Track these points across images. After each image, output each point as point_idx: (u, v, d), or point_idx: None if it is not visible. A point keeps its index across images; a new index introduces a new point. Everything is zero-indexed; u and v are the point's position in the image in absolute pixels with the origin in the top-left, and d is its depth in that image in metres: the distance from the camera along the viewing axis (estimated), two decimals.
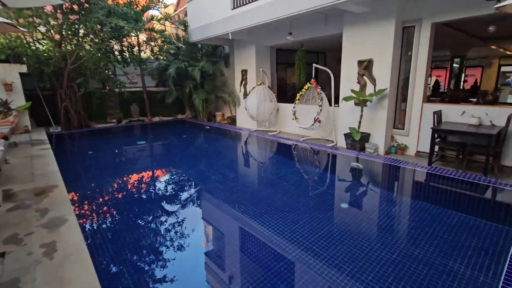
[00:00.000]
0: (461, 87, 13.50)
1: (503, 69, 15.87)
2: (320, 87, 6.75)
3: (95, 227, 3.11)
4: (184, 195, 4.28)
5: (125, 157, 6.83)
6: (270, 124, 9.17)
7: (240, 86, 9.88)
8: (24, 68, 7.95)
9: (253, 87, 8.55)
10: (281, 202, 3.79)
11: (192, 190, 4.53)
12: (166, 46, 10.78)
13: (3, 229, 2.44)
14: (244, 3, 7.45)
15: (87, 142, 8.48)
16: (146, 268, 2.44)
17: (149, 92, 11.44)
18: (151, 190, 4.47)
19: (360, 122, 5.98)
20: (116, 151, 7.42)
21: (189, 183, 4.85)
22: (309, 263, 2.42)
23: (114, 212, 3.56)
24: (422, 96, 5.56)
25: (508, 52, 13.93)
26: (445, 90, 13.70)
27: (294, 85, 10.33)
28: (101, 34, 8.63)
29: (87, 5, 8.21)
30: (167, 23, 11.24)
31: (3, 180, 3.66)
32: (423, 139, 5.60)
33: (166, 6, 11.53)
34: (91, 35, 8.75)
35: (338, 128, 6.87)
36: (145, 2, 9.98)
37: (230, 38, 8.34)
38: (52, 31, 8.35)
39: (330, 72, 6.84)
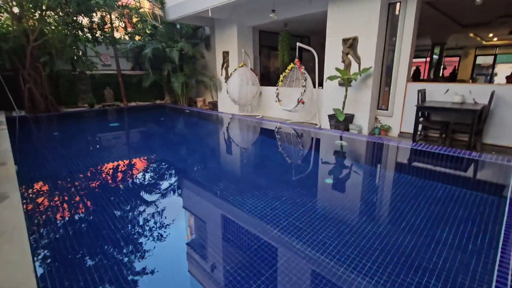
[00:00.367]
0: (441, 75, 13.75)
1: (478, 59, 16.41)
2: (304, 67, 6.50)
3: (43, 209, 2.71)
4: (160, 179, 3.93)
5: (94, 139, 6.31)
6: (252, 109, 8.87)
7: (222, 69, 9.46)
8: None
9: (235, 69, 8.17)
10: (264, 180, 3.55)
11: (170, 173, 4.19)
12: (140, 25, 10.08)
13: None
14: None
15: (53, 126, 7.80)
16: (105, 256, 2.11)
17: (124, 76, 10.75)
18: (118, 174, 4.06)
19: (344, 102, 5.81)
20: (85, 134, 6.85)
21: (166, 164, 4.49)
22: (292, 239, 2.19)
23: (73, 195, 3.15)
24: (407, 75, 5.45)
25: (484, 42, 14.33)
26: (425, 78, 13.94)
27: (277, 70, 10.05)
28: (67, 8, 7.87)
29: None
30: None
31: None
32: (406, 119, 5.53)
33: None
34: (55, 9, 7.97)
35: (322, 111, 6.69)
36: None
37: (210, 16, 7.87)
38: (10, 3, 7.51)
39: (314, 52, 6.60)
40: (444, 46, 12.52)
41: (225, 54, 9.20)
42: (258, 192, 3.11)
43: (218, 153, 5.34)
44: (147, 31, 10.21)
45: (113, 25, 9.82)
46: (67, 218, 2.45)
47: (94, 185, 3.42)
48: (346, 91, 5.76)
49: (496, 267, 1.70)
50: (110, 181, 3.59)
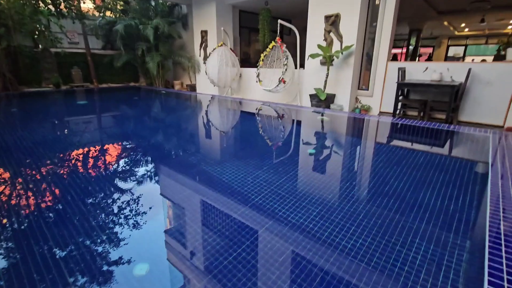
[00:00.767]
0: (417, 61, 14.14)
1: (450, 50, 17.10)
2: (285, 45, 6.32)
3: (4, 199, 2.38)
4: (136, 158, 3.64)
5: (59, 121, 5.79)
6: (232, 91, 8.60)
7: (200, 49, 9.06)
8: None
9: (214, 48, 7.83)
10: (244, 152, 3.38)
11: (149, 152, 3.89)
12: None
13: None
14: None
15: (11, 107, 7.09)
16: (76, 247, 1.86)
17: (94, 55, 10.01)
18: (88, 159, 3.71)
19: (326, 81, 5.73)
20: (49, 116, 6.28)
21: (143, 144, 4.18)
22: (273, 207, 2.05)
23: (36, 183, 2.82)
24: (387, 54, 5.44)
25: (456, 33, 14.88)
26: None
27: (258, 52, 9.78)
28: None
29: None
30: None
31: None
32: (386, 99, 5.56)
33: None
34: None
35: (303, 92, 6.59)
36: None
37: None
38: None
39: (296, 30, 6.43)
40: (420, 34, 12.83)
41: (204, 34, 8.79)
42: (240, 163, 2.94)
43: (201, 129, 5.08)
44: (118, 6, 9.49)
45: None
46: (31, 208, 2.15)
47: (59, 170, 3.08)
48: (328, 69, 5.67)
49: (487, 222, 1.66)
50: (79, 167, 3.25)
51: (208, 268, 1.46)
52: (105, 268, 1.48)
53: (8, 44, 7.55)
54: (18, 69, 8.46)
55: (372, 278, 1.32)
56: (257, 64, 6.87)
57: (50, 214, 1.99)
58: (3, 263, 1.48)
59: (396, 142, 3.93)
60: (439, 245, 1.57)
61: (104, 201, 2.23)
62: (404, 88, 5.05)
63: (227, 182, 2.45)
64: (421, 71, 5.14)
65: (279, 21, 6.29)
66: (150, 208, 2.14)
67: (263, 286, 1.31)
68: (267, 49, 6.62)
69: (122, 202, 2.19)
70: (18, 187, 2.41)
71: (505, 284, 1.16)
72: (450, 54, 16.83)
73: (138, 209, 2.13)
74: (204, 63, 8.65)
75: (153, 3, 9.86)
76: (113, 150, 3.76)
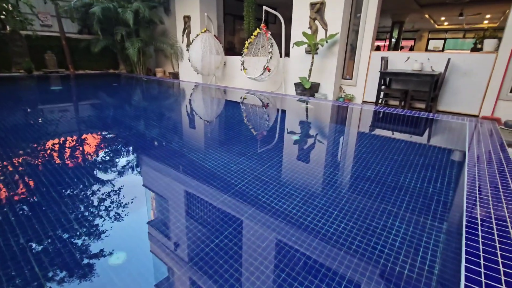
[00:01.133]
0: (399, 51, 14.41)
1: (430, 44, 17.57)
2: (270, 33, 6.22)
3: None
4: (118, 144, 3.48)
5: (30, 108, 5.45)
6: (216, 80, 8.43)
7: (183, 35, 8.76)
8: None
9: (197, 35, 7.59)
10: (229, 140, 3.32)
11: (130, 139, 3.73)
12: None
13: None
14: None
15: None
16: (55, 240, 1.75)
17: (70, 40, 9.45)
18: (65, 148, 3.52)
19: (310, 70, 5.71)
20: (20, 102, 5.90)
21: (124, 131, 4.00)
22: (257, 193, 2.02)
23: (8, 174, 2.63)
24: (371, 44, 5.48)
25: (436, 26, 15.25)
26: None
27: (243, 41, 9.59)
28: None
29: None
30: None
31: None
32: (369, 89, 5.63)
33: None
34: None
35: (288, 80, 6.55)
36: None
37: None
38: None
39: (281, 17, 6.32)
40: (402, 27, 13.04)
41: (186, 19, 8.49)
42: (224, 150, 2.88)
43: (185, 118, 4.95)
44: None
45: None
46: (3, 201, 2.00)
47: (32, 161, 2.90)
48: (313, 58, 5.65)
49: (465, 203, 1.71)
50: (54, 158, 3.07)
51: (190, 256, 1.41)
52: (85, 261, 1.39)
53: None
54: None
55: (353, 262, 1.33)
56: (242, 52, 6.74)
57: (24, 207, 1.86)
58: None
59: (378, 130, 4.00)
60: (418, 226, 1.60)
61: (82, 193, 2.11)
62: (387, 77, 5.13)
63: (210, 169, 2.40)
64: (403, 61, 5.23)
65: (264, 7, 6.16)
66: (132, 199, 2.06)
67: (246, 272, 1.28)
68: (252, 36, 6.49)
69: (101, 194, 2.09)
70: None
71: (482, 262, 1.19)
72: (430, 47, 17.30)
73: (117, 199, 2.03)
74: (187, 50, 8.39)
75: None
76: (91, 140, 3.58)
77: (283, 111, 5.25)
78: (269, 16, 11.49)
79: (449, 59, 4.49)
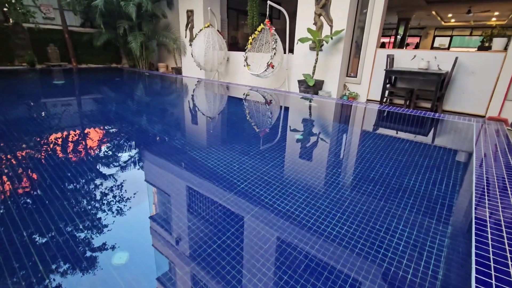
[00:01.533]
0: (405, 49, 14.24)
1: (436, 41, 17.33)
2: (274, 28, 6.14)
3: None
4: (120, 140, 3.46)
5: (33, 102, 5.43)
6: (219, 76, 8.37)
7: (186, 30, 8.68)
8: None
9: (200, 29, 7.51)
10: (229, 136, 3.29)
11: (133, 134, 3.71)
12: None
13: None
14: None
15: None
16: (58, 234, 1.73)
17: (72, 33, 9.40)
18: (68, 143, 3.50)
19: (314, 67, 5.64)
20: (23, 97, 5.88)
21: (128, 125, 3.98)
22: (260, 193, 1.99)
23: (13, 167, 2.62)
24: (376, 41, 5.39)
25: (443, 23, 15.02)
26: None
27: (246, 36, 9.50)
28: None
29: None
30: None
31: None
32: (374, 88, 5.56)
33: None
34: None
35: (291, 77, 6.48)
36: None
37: None
38: None
39: (285, 12, 6.23)
40: (409, 24, 12.85)
41: (190, 13, 8.41)
42: (226, 148, 2.85)
43: (187, 114, 4.91)
44: None
45: None
46: (7, 194, 1.98)
47: (36, 155, 2.88)
48: (317, 55, 5.57)
49: (473, 204, 1.68)
50: (57, 151, 3.06)
51: (192, 255, 1.39)
52: (88, 254, 1.38)
53: None
54: None
55: (356, 264, 1.30)
56: (245, 48, 6.67)
57: (28, 200, 1.85)
58: None
59: (382, 130, 3.95)
60: (422, 229, 1.56)
61: (85, 187, 2.10)
62: (392, 76, 5.05)
63: (212, 169, 2.37)
64: (409, 59, 5.14)
65: (269, 2, 6.06)
66: (134, 194, 2.04)
67: (248, 272, 1.26)
68: (256, 32, 6.41)
69: (105, 188, 2.07)
70: None
71: (492, 264, 1.16)
72: (436, 44, 17.07)
73: (121, 194, 2.01)
74: (190, 45, 8.31)
75: None
76: (93, 134, 3.56)
77: (286, 109, 5.20)
78: (273, 11, 11.36)
79: (456, 58, 4.41)
